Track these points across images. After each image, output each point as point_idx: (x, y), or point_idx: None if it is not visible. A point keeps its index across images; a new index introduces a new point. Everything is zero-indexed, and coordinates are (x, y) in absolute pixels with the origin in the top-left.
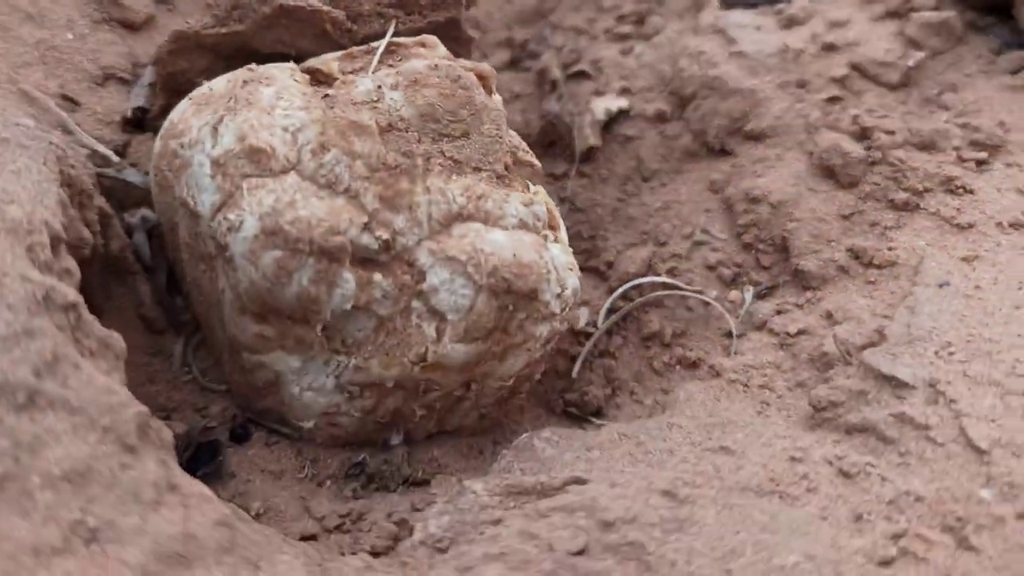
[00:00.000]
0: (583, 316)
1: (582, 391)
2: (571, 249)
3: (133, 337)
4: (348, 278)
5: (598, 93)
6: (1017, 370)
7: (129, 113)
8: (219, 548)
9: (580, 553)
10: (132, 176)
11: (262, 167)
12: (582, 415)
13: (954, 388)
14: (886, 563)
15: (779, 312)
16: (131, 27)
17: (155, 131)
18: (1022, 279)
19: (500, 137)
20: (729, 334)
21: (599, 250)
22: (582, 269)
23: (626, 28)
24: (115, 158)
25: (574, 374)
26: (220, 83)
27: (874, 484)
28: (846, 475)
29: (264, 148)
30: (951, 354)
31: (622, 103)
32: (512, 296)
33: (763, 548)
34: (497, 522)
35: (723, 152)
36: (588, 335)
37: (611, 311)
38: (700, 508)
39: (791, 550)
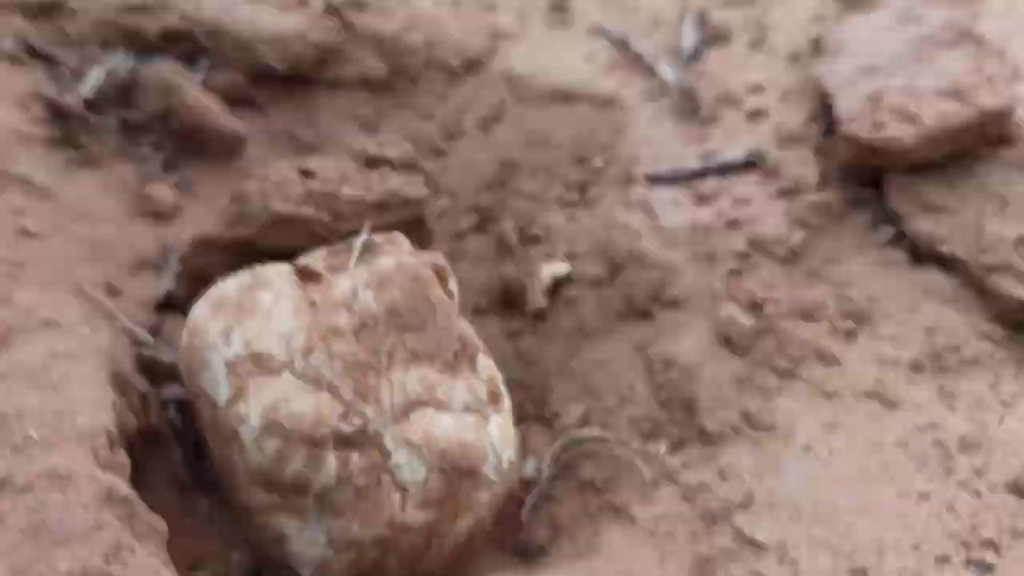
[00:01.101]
0: (530, 466)
1: (528, 534)
2: (510, 419)
3: (167, 495)
4: (331, 460)
5: (547, 256)
6: (850, 533)
7: (161, 297)
8: None
9: None
10: (165, 355)
11: (263, 367)
12: (529, 555)
13: (798, 551)
14: None
15: (684, 466)
16: (161, 217)
17: (183, 311)
18: (873, 444)
19: (450, 329)
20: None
21: (547, 401)
22: (533, 419)
23: (573, 195)
24: (151, 340)
25: (523, 518)
26: (230, 286)
27: None
28: None
29: (264, 353)
30: (800, 519)
31: (565, 268)
32: (457, 473)
33: None
34: None
35: (647, 315)
36: (534, 483)
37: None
38: None
39: None
